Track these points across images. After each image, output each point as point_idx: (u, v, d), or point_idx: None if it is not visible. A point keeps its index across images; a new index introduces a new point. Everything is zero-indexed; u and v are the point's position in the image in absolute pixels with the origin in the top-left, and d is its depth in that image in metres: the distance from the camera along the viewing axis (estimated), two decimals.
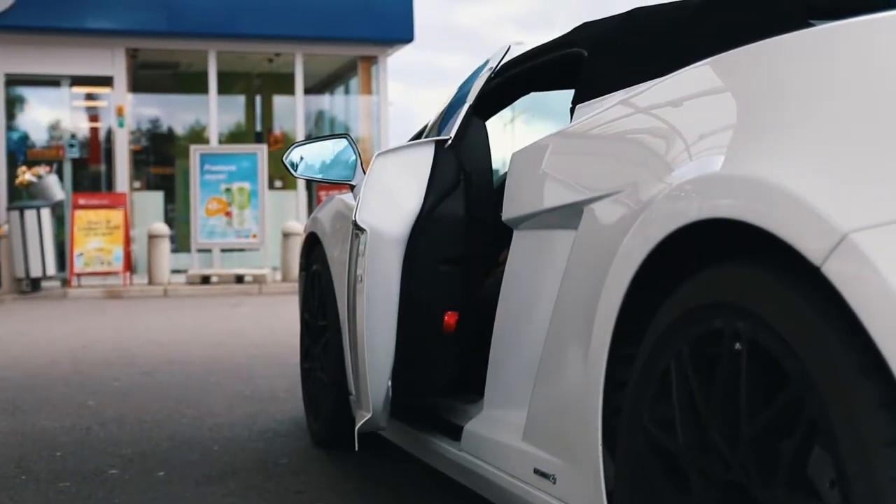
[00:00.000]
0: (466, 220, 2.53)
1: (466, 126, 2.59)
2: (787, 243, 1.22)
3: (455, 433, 2.47)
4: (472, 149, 2.56)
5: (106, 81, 15.32)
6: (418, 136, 3.44)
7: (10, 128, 15.15)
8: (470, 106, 2.61)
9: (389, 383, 2.55)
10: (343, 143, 3.43)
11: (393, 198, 2.53)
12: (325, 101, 18.54)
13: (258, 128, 17.98)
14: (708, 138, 1.57)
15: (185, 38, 15.30)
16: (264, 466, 3.40)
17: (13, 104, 15.68)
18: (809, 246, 1.19)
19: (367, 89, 16.87)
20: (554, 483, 1.91)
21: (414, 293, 2.49)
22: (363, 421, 2.61)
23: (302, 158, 3.48)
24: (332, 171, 3.40)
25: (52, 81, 15.47)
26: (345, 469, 3.36)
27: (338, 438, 3.63)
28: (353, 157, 3.35)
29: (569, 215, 1.92)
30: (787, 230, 1.23)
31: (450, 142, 2.57)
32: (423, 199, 2.51)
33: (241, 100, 18.22)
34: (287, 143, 15.79)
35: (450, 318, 2.52)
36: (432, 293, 2.50)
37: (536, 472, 1.98)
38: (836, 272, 1.15)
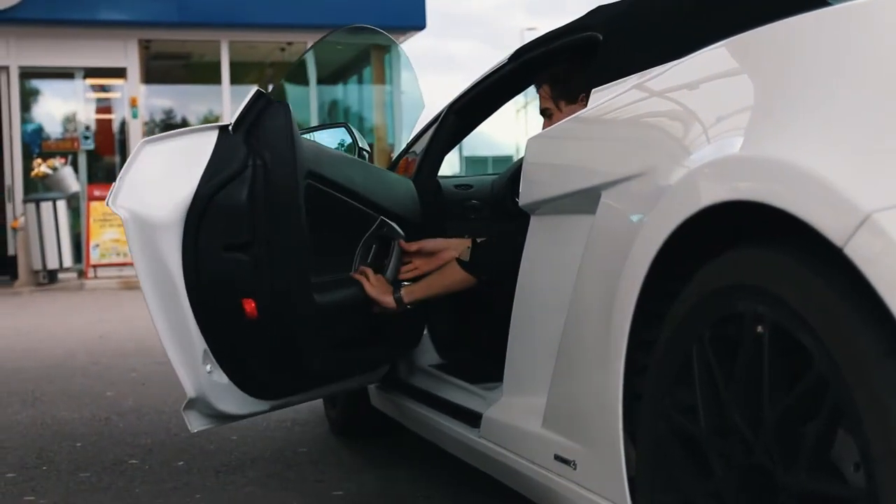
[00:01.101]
0: (251, 205, 2.42)
1: (259, 111, 2.49)
2: (809, 224, 1.21)
3: (474, 420, 2.47)
4: (268, 134, 2.46)
5: (119, 73, 15.33)
6: (431, 124, 3.43)
7: (24, 120, 15.17)
8: (258, 90, 2.52)
9: (208, 369, 2.49)
10: (341, 131, 3.43)
11: (162, 183, 2.42)
12: (338, 91, 18.52)
13: None
14: (726, 120, 1.56)
15: (197, 29, 15.30)
16: (283, 456, 3.41)
17: (27, 97, 15.70)
18: (832, 227, 1.17)
19: (380, 78, 16.84)
20: (574, 469, 1.90)
21: (201, 280, 2.42)
22: (184, 402, 2.58)
23: None
24: None
25: (66, 74, 15.49)
26: (364, 457, 3.36)
27: (356, 427, 3.64)
28: (350, 144, 3.34)
29: (586, 200, 1.90)
30: (808, 211, 1.22)
31: (231, 127, 2.48)
32: (196, 185, 2.42)
33: (253, 89, 18.21)
34: None
35: (247, 305, 2.45)
36: (220, 280, 2.43)
37: (557, 458, 1.97)
38: (859, 253, 1.14)
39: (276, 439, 3.66)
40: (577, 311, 1.91)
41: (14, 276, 13.55)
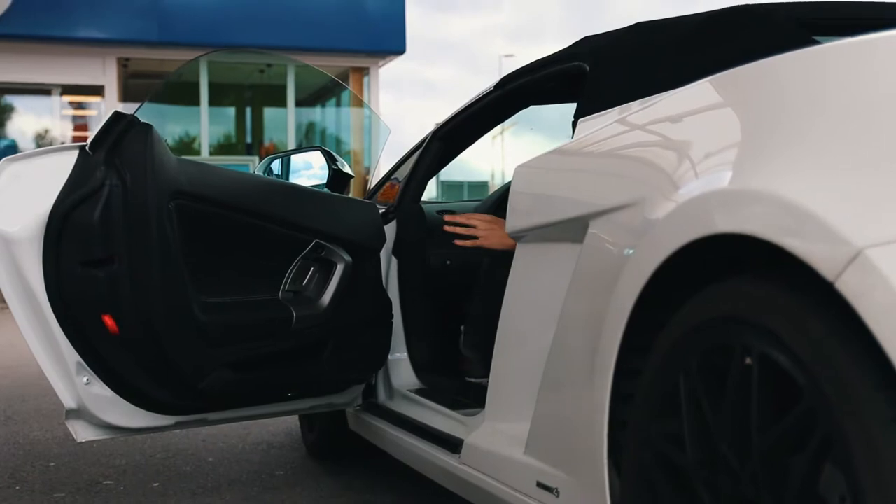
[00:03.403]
0: (107, 224, 2.46)
1: (120, 132, 2.52)
2: (800, 258, 1.23)
3: (455, 446, 2.47)
4: (128, 155, 2.51)
5: (97, 91, 15.29)
6: (415, 149, 3.44)
7: None
8: (116, 112, 2.55)
9: (85, 381, 2.52)
10: (316, 154, 3.45)
11: (22, 200, 2.48)
12: (316, 113, 18.54)
13: (248, 139, 17.95)
14: (717, 154, 1.57)
15: (176, 48, 15.29)
16: (259, 478, 3.39)
17: (3, 113, 15.63)
18: (823, 261, 1.19)
19: (358, 101, 16.87)
20: (557, 496, 1.90)
21: (63, 295, 2.46)
22: (64, 413, 2.61)
23: (274, 170, 3.51)
24: (305, 181, 3.39)
25: (43, 90, 15.44)
26: (342, 481, 3.35)
27: (334, 450, 3.63)
28: (327, 168, 3.35)
29: (574, 228, 1.92)
30: (799, 245, 1.23)
31: (88, 146, 2.53)
32: (53, 203, 2.46)
33: (231, 111, 18.19)
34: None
35: (107, 320, 2.48)
36: (80, 296, 2.47)
37: (539, 485, 1.98)
38: (850, 287, 1.15)
39: (253, 462, 3.64)
40: (563, 338, 1.92)
41: None
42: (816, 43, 1.81)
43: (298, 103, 16.55)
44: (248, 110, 18.28)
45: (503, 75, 2.95)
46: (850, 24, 2.16)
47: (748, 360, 1.36)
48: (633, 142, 1.94)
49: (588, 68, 2.41)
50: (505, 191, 3.42)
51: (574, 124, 2.28)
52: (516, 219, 2.25)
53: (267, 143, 17.44)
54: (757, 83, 1.61)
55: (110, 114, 2.54)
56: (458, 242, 2.90)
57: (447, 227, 2.94)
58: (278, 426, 4.28)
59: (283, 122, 16.46)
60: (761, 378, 1.33)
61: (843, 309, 1.18)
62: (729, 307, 1.42)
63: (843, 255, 1.16)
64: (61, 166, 2.51)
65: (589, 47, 2.52)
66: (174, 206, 2.54)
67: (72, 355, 2.50)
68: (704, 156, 1.61)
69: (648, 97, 2.02)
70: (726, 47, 2.03)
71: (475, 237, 2.87)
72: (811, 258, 1.21)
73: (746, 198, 1.39)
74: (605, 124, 2.06)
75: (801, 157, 1.36)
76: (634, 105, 2.05)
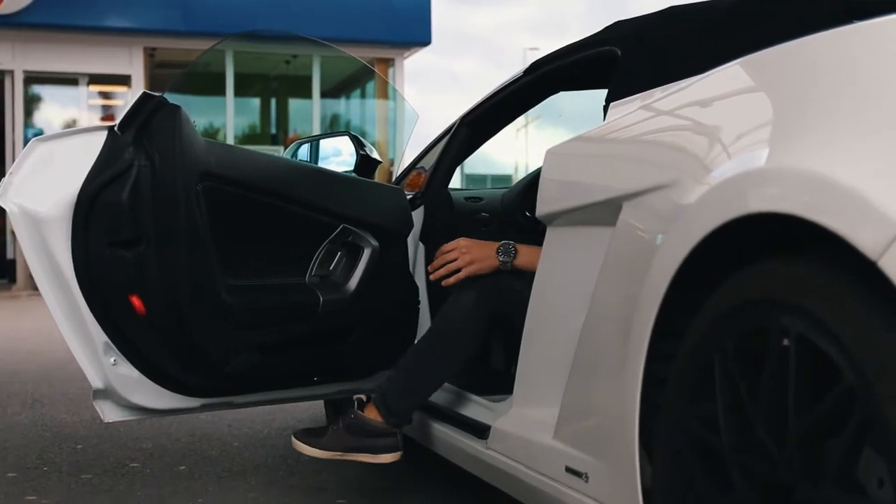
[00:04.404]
0: (135, 204, 2.46)
1: (149, 112, 2.52)
2: (842, 237, 1.20)
3: (482, 431, 2.46)
4: (157, 136, 2.50)
5: (123, 80, 15.37)
6: (439, 139, 3.43)
7: (27, 125, 15.19)
8: (145, 92, 2.54)
9: (112, 361, 2.52)
10: (344, 139, 3.44)
11: (52, 180, 2.47)
12: (341, 104, 18.55)
13: (273, 130, 17.99)
14: (752, 133, 1.55)
15: (202, 38, 15.33)
16: (285, 463, 3.39)
17: (31, 102, 15.73)
18: (865, 239, 1.17)
19: (383, 92, 16.88)
20: (587, 481, 1.89)
21: (91, 275, 2.46)
22: (91, 393, 2.62)
23: (301, 155, 3.51)
24: (333, 167, 3.39)
25: (70, 80, 15.52)
26: (367, 467, 3.33)
27: None
28: (354, 153, 3.34)
29: (606, 211, 1.90)
30: (841, 224, 1.21)
31: (117, 127, 2.53)
32: (82, 183, 2.46)
33: (256, 102, 18.23)
34: None
35: (135, 301, 2.48)
36: (107, 276, 2.47)
37: (568, 470, 1.96)
38: (893, 266, 1.13)
39: (279, 447, 3.64)
40: (594, 322, 1.91)
41: (13, 279, 13.53)
42: (851, 22, 1.79)
43: (323, 94, 16.57)
44: (273, 101, 18.32)
45: (534, 60, 2.93)
46: (878, 7, 2.12)
47: (785, 342, 1.34)
48: (665, 125, 1.92)
49: (620, 52, 2.39)
50: (533, 177, 3.40)
51: (605, 108, 2.26)
52: (548, 202, 2.23)
53: (291, 133, 17.47)
54: (790, 63, 1.59)
55: (139, 94, 2.54)
56: (446, 283, 2.82)
57: (432, 277, 2.88)
58: (303, 412, 4.28)
59: (308, 112, 16.50)
60: (799, 360, 1.32)
61: (883, 287, 1.16)
62: (765, 288, 1.40)
63: (887, 233, 1.14)
64: (90, 147, 2.52)
65: (620, 31, 2.50)
66: (202, 188, 2.54)
67: (99, 335, 2.51)
68: (737, 137, 1.59)
69: (680, 81, 2.00)
70: (758, 30, 2.00)
71: (458, 270, 2.79)
72: (852, 237, 1.19)
73: (781, 176, 1.37)
74: (638, 107, 2.05)
75: (837, 134, 1.33)
76: (668, 88, 2.02)
